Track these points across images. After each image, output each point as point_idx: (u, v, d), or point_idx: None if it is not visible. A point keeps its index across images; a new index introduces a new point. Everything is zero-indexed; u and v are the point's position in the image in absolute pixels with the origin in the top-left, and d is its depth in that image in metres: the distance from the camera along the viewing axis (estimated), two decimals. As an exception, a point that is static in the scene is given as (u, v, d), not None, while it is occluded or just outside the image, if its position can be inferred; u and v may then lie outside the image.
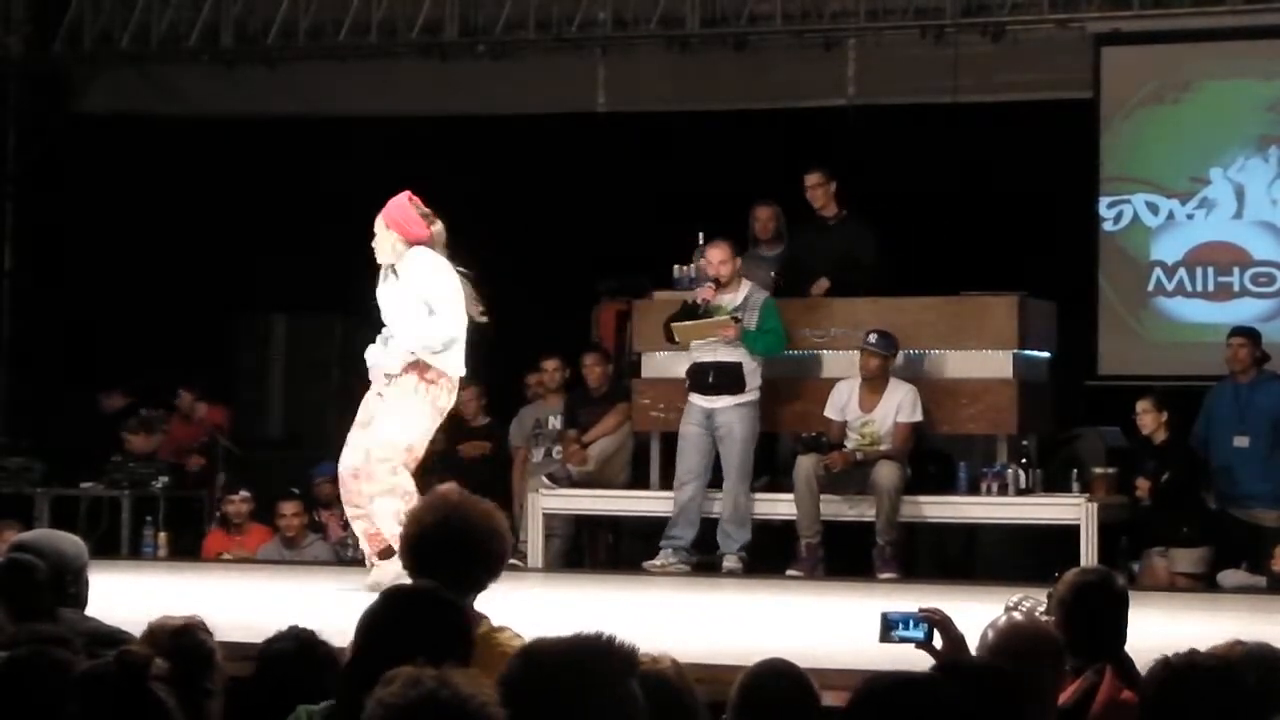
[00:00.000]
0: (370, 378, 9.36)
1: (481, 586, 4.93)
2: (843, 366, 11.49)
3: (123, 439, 13.68)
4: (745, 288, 11.36)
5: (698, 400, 11.35)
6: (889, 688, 3.44)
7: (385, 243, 9.30)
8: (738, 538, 11.29)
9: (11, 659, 3.89)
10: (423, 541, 4.95)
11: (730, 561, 11.27)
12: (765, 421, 11.89)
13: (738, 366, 11.24)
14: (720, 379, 11.25)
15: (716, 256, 11.29)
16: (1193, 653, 4.14)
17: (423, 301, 9.14)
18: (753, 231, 12.50)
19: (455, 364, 9.18)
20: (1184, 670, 4.04)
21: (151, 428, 13.78)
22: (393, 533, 8.64)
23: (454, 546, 4.88)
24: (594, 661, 3.25)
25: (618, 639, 3.30)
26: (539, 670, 3.18)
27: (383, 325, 9.31)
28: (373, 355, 9.30)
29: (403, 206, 9.33)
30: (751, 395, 11.29)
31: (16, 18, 15.22)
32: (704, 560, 11.44)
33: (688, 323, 11.31)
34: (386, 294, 9.36)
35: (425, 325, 9.05)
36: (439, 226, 9.27)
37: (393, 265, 9.29)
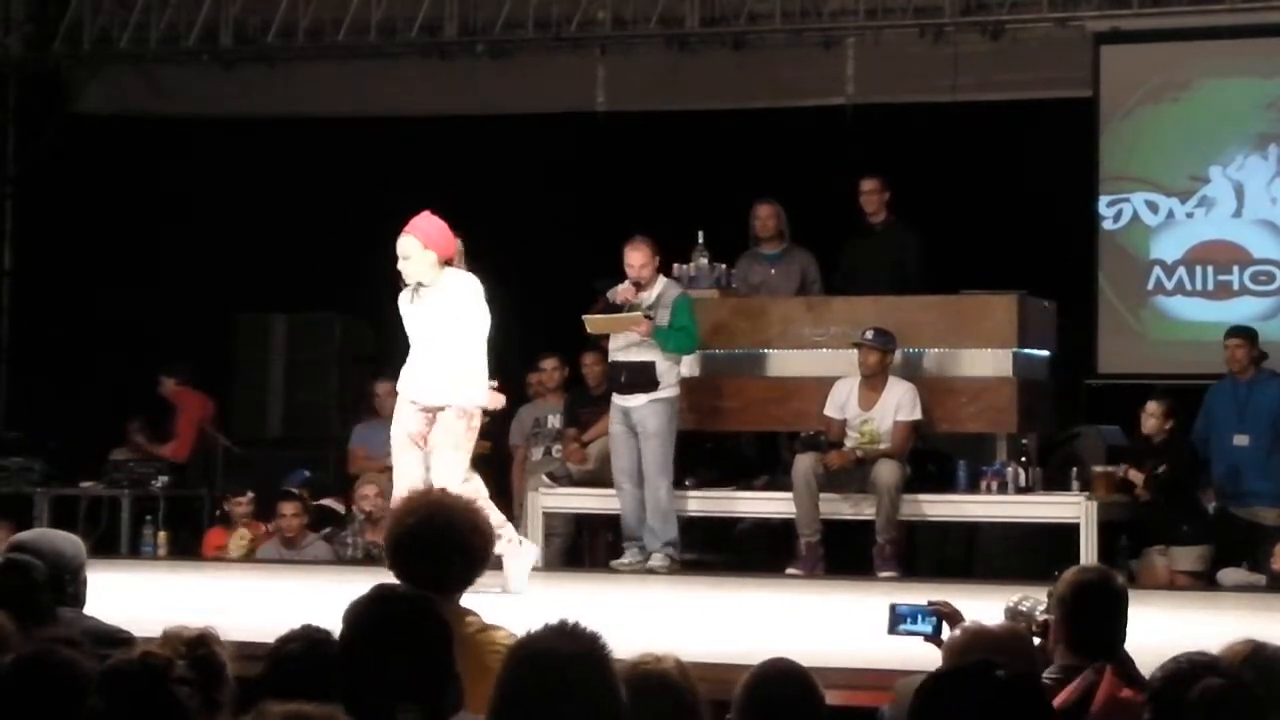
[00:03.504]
0: (410, 397, 9.40)
1: (466, 584, 4.96)
2: (843, 365, 11.48)
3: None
4: (660, 284, 11.35)
5: (616, 400, 11.37)
6: (957, 678, 3.42)
7: (423, 263, 9.22)
8: (661, 535, 11.21)
9: (24, 658, 3.90)
10: (405, 540, 4.97)
11: (656, 560, 11.19)
12: (765, 421, 11.89)
13: (650, 365, 11.21)
14: (632, 378, 11.25)
15: (637, 260, 11.26)
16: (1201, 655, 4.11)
17: (461, 332, 9.24)
18: (753, 230, 12.49)
19: None
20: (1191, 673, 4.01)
21: (136, 445, 13.79)
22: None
23: (437, 545, 4.91)
24: (588, 652, 3.26)
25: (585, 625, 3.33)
26: (538, 668, 3.19)
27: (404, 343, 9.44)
28: (427, 392, 9.38)
29: (437, 224, 9.28)
30: (666, 392, 11.23)
31: (16, 18, 15.22)
32: (699, 559, 11.43)
33: (598, 316, 11.33)
34: (420, 315, 9.33)
35: (481, 378, 9.37)
36: (459, 242, 9.33)
37: (420, 283, 9.27)
